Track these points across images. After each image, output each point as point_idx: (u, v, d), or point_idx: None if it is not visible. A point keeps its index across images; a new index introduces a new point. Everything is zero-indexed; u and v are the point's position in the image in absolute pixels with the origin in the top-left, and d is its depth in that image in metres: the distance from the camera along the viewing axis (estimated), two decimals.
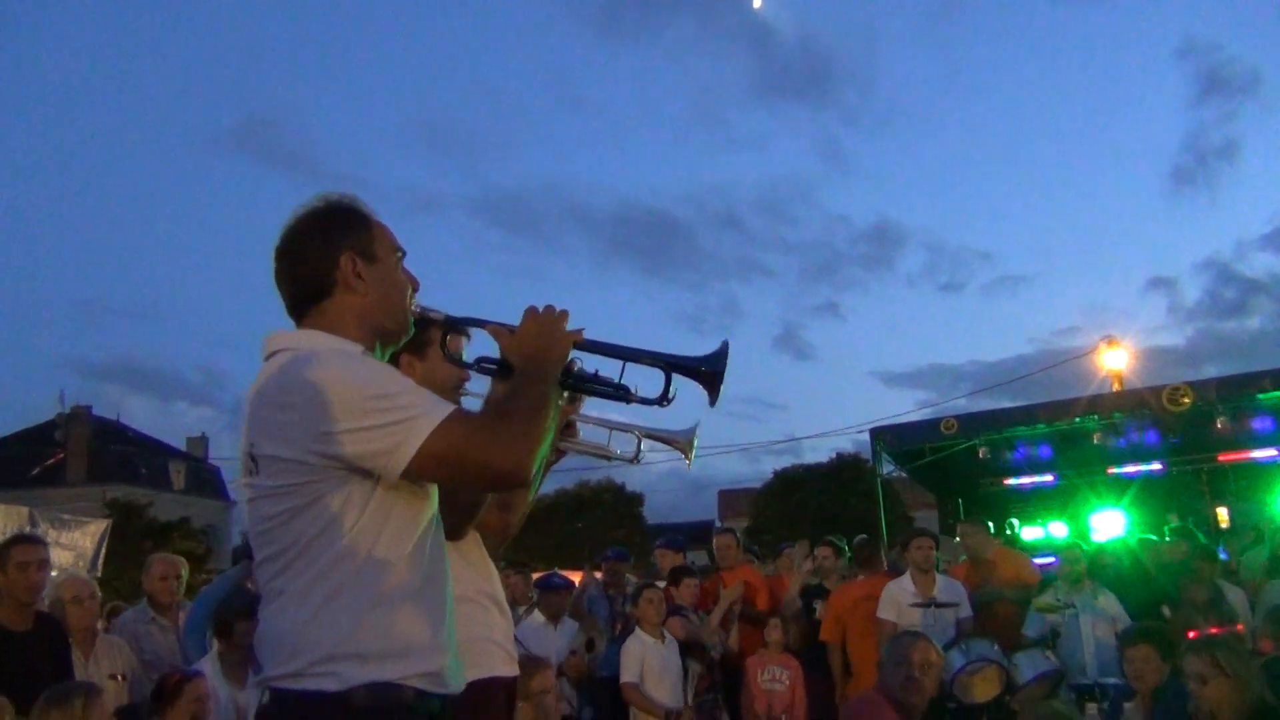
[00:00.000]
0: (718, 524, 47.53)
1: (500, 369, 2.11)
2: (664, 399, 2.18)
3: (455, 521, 2.35)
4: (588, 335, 2.16)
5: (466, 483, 2.01)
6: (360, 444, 1.84)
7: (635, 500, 40.92)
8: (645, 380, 2.21)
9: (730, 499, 48.47)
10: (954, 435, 10.94)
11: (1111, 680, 5.89)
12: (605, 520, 37.08)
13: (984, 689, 5.76)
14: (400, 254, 2.16)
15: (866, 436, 11.91)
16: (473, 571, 2.78)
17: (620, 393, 2.18)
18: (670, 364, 2.14)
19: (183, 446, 53.71)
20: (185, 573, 6.12)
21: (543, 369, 2.02)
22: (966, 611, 6.72)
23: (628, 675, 6.47)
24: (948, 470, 12.45)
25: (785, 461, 39.42)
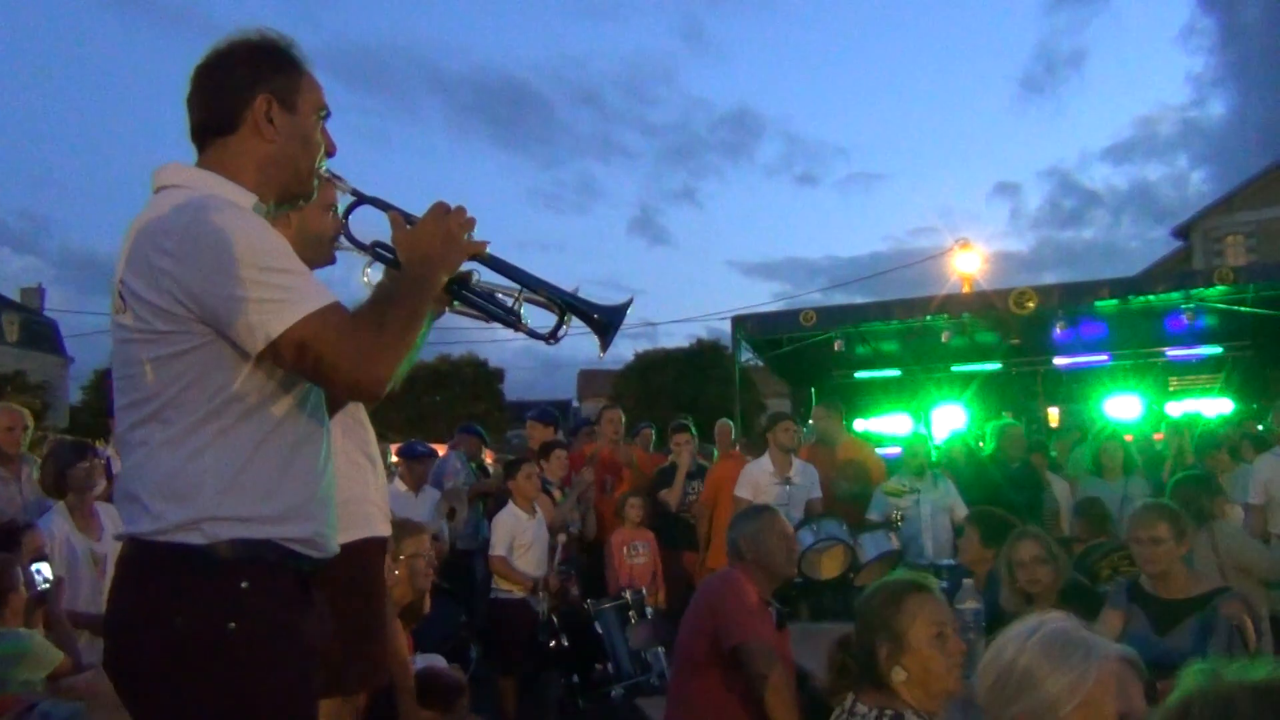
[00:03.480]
0: (575, 403, 48.02)
1: (396, 260, 2.03)
2: (553, 336, 2.12)
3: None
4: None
5: (319, 382, 1.89)
6: (222, 313, 1.76)
7: (495, 376, 40.85)
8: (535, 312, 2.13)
9: (589, 379, 48.91)
10: (812, 327, 11.24)
11: (945, 561, 6.33)
12: (464, 395, 36.97)
13: (830, 566, 6.10)
14: (323, 113, 2.06)
15: (722, 324, 12.14)
16: (352, 430, 2.78)
17: (511, 319, 2.10)
18: (567, 304, 2.08)
19: (16, 297, 50.90)
20: (30, 423, 5.96)
21: (430, 274, 1.94)
22: (816, 493, 7.06)
23: (498, 549, 6.62)
24: (803, 360, 12.79)
25: (639, 345, 39.78)
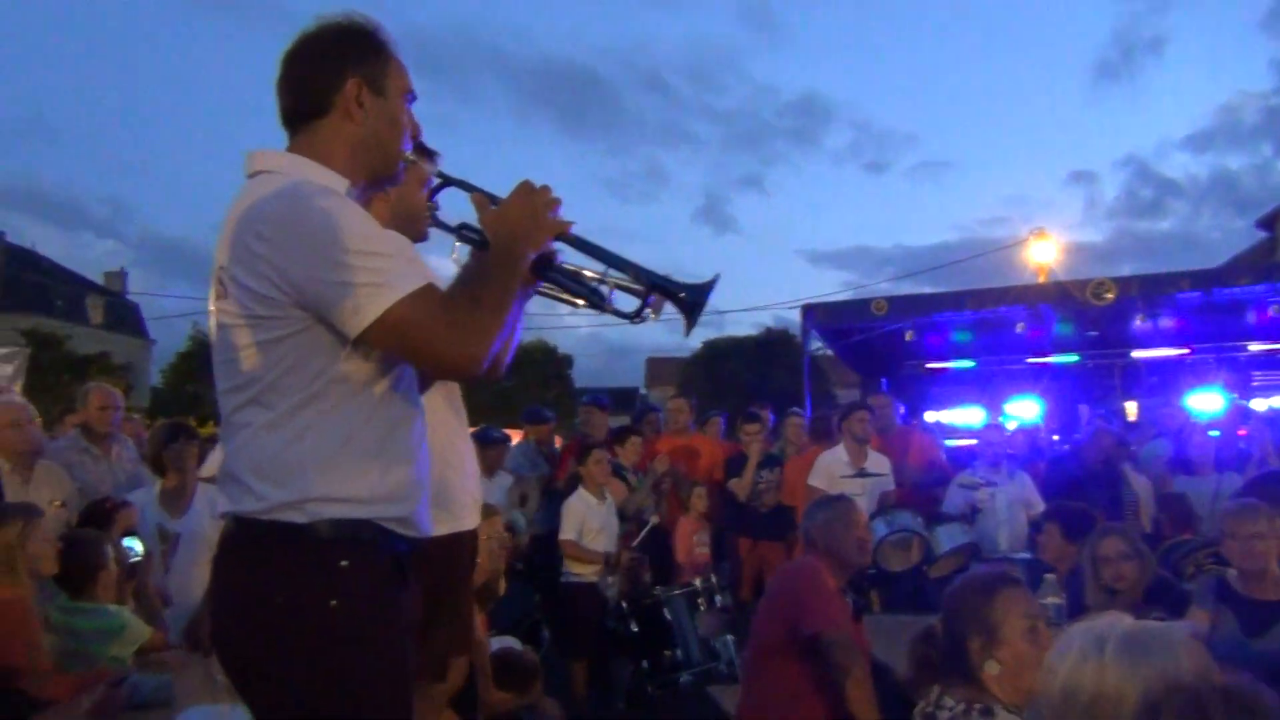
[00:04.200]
0: (642, 390, 48.12)
1: (482, 242, 2.02)
2: (638, 316, 2.07)
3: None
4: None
5: (415, 363, 1.92)
6: (320, 297, 1.78)
7: (564, 362, 41.03)
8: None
9: (657, 366, 48.96)
10: (884, 316, 11.12)
11: (1021, 555, 6.24)
12: (534, 380, 37.18)
13: (903, 558, 6.07)
14: (409, 96, 2.07)
15: (789, 313, 12.07)
16: (450, 415, 2.79)
17: (595, 299, 2.08)
18: (653, 282, 2.04)
19: (100, 280, 52.31)
20: (123, 403, 6.14)
21: (518, 251, 1.94)
22: (890, 484, 7.01)
23: (567, 533, 6.67)
24: (874, 350, 12.68)
25: (708, 334, 39.68)
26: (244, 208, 1.88)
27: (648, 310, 2.07)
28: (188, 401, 32.09)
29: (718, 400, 21.71)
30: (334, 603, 1.80)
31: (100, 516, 4.48)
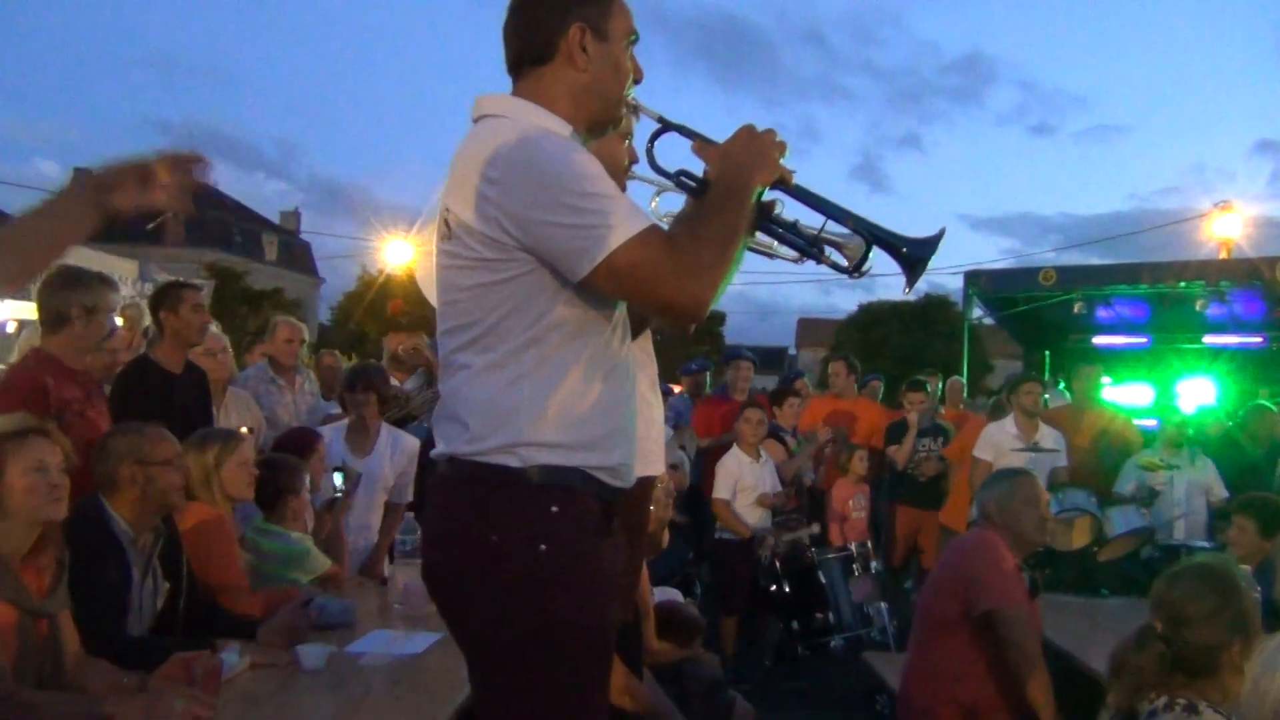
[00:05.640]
0: (792, 350, 47.77)
1: (700, 189, 1.99)
2: (858, 270, 2.00)
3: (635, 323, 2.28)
4: None
5: (640, 305, 1.92)
6: (547, 239, 1.79)
7: (716, 318, 40.95)
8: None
9: (809, 327, 48.53)
10: (1052, 286, 10.73)
11: (1199, 543, 5.98)
12: (686, 336, 37.20)
13: (1072, 538, 5.87)
14: (633, 39, 2.05)
15: (944, 278, 11.76)
16: (644, 364, 2.81)
17: (814, 251, 2.01)
18: (875, 235, 1.96)
19: (275, 219, 54.63)
20: (306, 337, 6.41)
21: (744, 185, 1.90)
22: (1062, 460, 6.78)
23: (721, 491, 6.69)
24: (1039, 321, 12.25)
25: (862, 296, 38.98)
26: (470, 151, 1.90)
27: (867, 263, 2.01)
28: (352, 339, 33.37)
29: (870, 365, 21.32)
30: (543, 547, 1.83)
31: (300, 444, 4.63)
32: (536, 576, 1.83)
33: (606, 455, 1.92)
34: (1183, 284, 10.55)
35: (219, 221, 47.60)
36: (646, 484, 2.80)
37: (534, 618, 1.84)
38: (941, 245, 1.97)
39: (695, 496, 7.32)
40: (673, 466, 7.10)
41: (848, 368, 8.66)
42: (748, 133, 1.96)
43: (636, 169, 2.19)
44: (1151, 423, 7.87)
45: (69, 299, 3.93)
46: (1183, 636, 2.45)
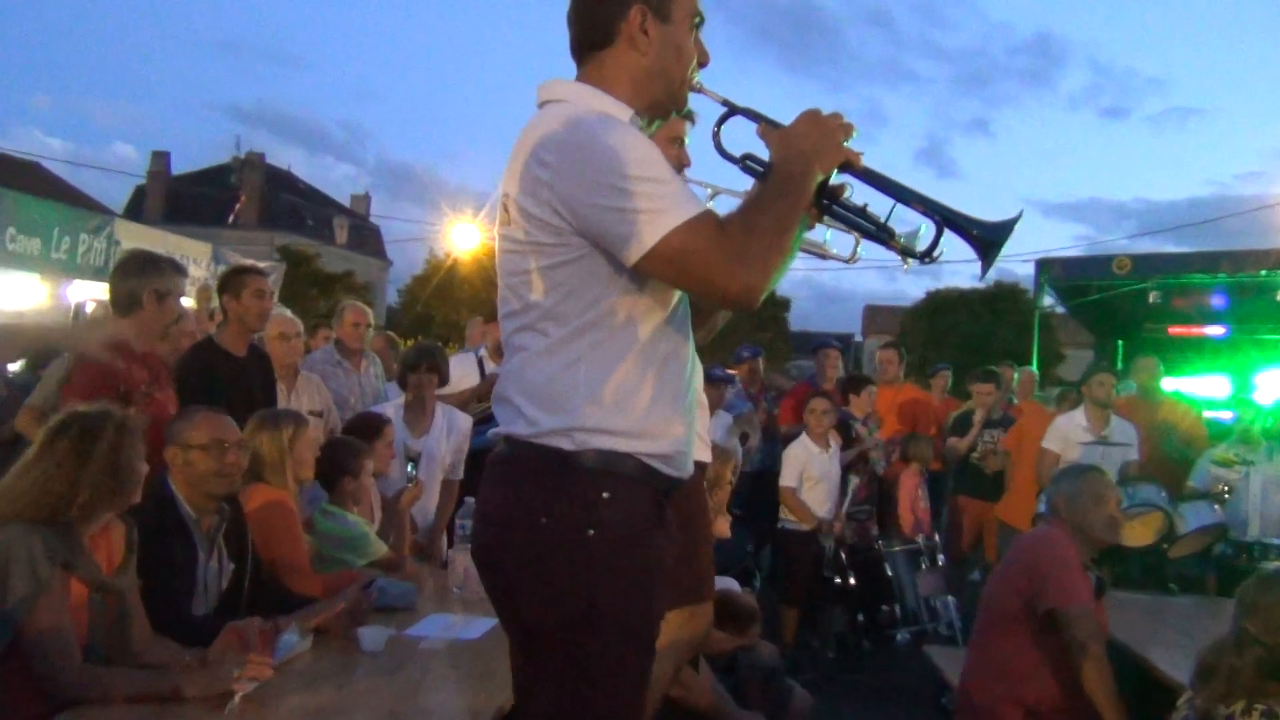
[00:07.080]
0: (858, 338, 47.33)
1: (765, 173, 1.94)
2: (929, 255, 1.94)
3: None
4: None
5: (692, 291, 1.89)
6: (597, 223, 1.78)
7: (781, 304, 40.61)
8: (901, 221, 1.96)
9: (876, 314, 48.05)
10: (1126, 275, 10.51)
11: (1275, 540, 5.81)
12: (750, 322, 36.99)
13: (1141, 533, 5.74)
14: (698, 20, 2.03)
15: (1014, 266, 11.57)
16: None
17: (884, 235, 1.96)
18: (947, 218, 1.90)
19: (346, 202, 55.37)
20: (372, 321, 6.48)
21: (805, 171, 1.86)
22: (1134, 454, 6.63)
23: (787, 480, 6.64)
24: (1112, 310, 12.03)
25: (930, 284, 38.37)
26: (531, 136, 1.89)
27: (938, 249, 1.95)
28: (418, 322, 33.75)
29: (938, 354, 21.09)
30: (591, 532, 1.83)
31: (369, 428, 4.67)
32: (583, 562, 1.83)
33: (661, 443, 1.91)
34: (1264, 273, 10.30)
35: (290, 205, 48.35)
36: (698, 472, 2.79)
37: (578, 603, 1.84)
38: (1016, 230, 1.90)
39: (755, 485, 7.29)
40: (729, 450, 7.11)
41: (899, 357, 8.58)
42: (809, 117, 1.92)
43: (689, 173, 2.15)
44: (1228, 415, 7.65)
45: (141, 284, 4.05)
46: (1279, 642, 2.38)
